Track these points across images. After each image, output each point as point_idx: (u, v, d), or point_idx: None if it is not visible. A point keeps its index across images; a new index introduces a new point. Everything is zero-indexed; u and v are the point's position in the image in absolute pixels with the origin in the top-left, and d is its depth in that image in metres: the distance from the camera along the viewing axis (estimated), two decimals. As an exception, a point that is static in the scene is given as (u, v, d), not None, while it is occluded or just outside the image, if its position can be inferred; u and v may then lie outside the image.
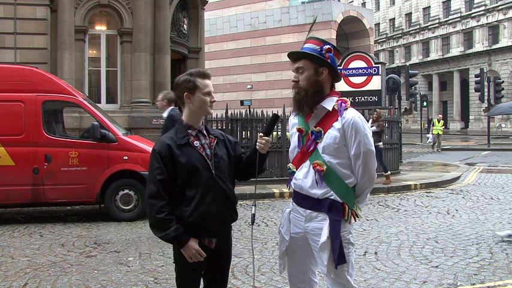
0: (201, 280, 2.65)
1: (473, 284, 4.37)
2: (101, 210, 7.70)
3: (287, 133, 10.41)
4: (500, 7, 41.78)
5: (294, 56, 2.60)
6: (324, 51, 2.53)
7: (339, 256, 2.42)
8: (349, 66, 13.42)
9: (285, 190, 9.52)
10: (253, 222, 2.64)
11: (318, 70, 2.53)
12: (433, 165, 15.35)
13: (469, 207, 8.30)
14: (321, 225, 2.50)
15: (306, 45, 2.58)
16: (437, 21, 48.60)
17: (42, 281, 4.58)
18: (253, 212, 2.63)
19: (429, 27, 49.72)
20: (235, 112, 11.22)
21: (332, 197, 2.49)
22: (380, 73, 13.17)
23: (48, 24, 11.80)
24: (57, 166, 7.30)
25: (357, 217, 2.59)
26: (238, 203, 2.70)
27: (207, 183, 2.46)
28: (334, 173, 2.50)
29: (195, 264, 2.48)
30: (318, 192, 2.51)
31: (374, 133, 11.65)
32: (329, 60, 2.53)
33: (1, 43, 11.51)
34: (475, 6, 44.19)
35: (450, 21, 46.89)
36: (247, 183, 9.58)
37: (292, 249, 2.66)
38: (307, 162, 2.56)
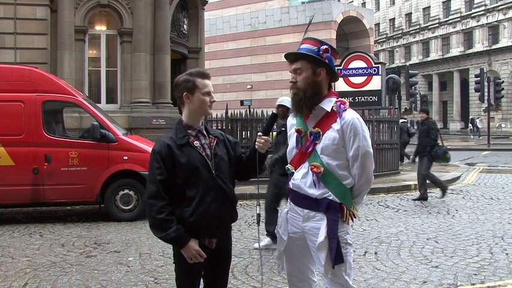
0: (201, 280, 2.65)
1: (473, 284, 4.37)
2: (100, 210, 7.71)
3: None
4: (500, 7, 41.80)
5: (292, 57, 2.59)
6: (321, 52, 2.52)
7: (336, 256, 2.42)
8: (349, 66, 13.44)
9: (285, 190, 9.50)
10: (258, 222, 2.64)
11: (315, 71, 2.53)
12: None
13: (469, 207, 8.30)
14: (319, 225, 2.50)
15: (303, 46, 2.57)
16: (437, 21, 48.61)
17: (42, 281, 4.58)
18: (258, 212, 2.63)
19: (429, 27, 49.74)
20: (235, 112, 11.22)
21: (330, 198, 2.49)
22: (380, 73, 13.19)
23: (48, 24, 11.79)
24: (57, 166, 7.30)
25: (355, 217, 2.59)
26: (238, 203, 2.70)
27: (207, 183, 2.46)
28: (332, 175, 2.50)
29: (195, 265, 2.48)
30: (316, 192, 2.51)
31: None
32: (326, 61, 2.52)
33: (1, 43, 11.51)
34: (475, 6, 44.20)
35: (450, 21, 46.91)
36: (248, 183, 9.61)
37: (291, 249, 2.66)
38: (306, 163, 2.55)
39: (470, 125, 40.97)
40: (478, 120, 38.62)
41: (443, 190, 9.37)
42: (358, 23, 39.41)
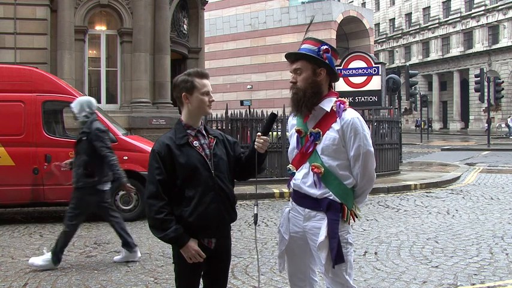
0: (201, 280, 2.65)
1: (473, 284, 4.37)
2: (100, 210, 7.70)
3: (287, 133, 10.42)
4: (500, 7, 41.80)
5: (292, 57, 2.60)
6: (321, 52, 2.52)
7: (336, 255, 2.42)
8: (349, 66, 13.43)
9: (285, 190, 9.52)
10: (256, 222, 2.64)
11: (316, 71, 2.53)
12: (433, 165, 15.36)
13: (469, 207, 8.30)
14: (319, 224, 2.50)
15: (304, 46, 2.58)
16: (437, 21, 48.61)
17: (42, 281, 4.58)
18: (255, 212, 2.62)
19: (429, 27, 49.74)
20: (235, 112, 11.23)
21: (331, 197, 2.50)
22: (380, 73, 13.18)
23: (48, 24, 11.80)
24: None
25: (356, 217, 2.59)
26: (238, 203, 2.70)
27: (206, 183, 2.46)
28: (332, 175, 2.50)
29: (194, 265, 2.48)
30: (316, 192, 2.52)
31: None
32: (327, 61, 2.53)
33: (1, 43, 11.51)
34: (475, 6, 44.19)
35: (450, 21, 46.91)
36: (247, 183, 9.58)
37: (292, 248, 2.66)
38: (307, 164, 2.56)
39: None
40: (510, 119, 37.01)
41: None
42: (358, 23, 39.41)
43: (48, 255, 4.97)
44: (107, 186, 5.29)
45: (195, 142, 2.52)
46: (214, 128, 10.10)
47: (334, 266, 2.44)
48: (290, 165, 2.67)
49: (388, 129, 12.79)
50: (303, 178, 2.57)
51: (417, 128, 46.72)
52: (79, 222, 5.18)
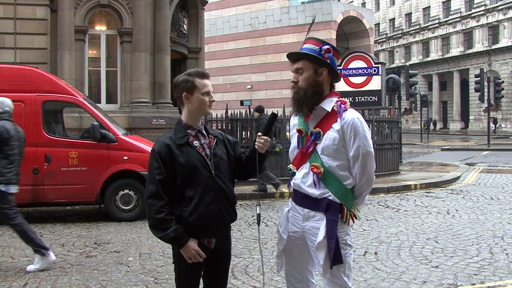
0: (201, 280, 2.65)
1: (473, 284, 4.37)
2: (100, 210, 7.71)
3: (287, 133, 10.45)
4: (500, 7, 41.82)
5: (294, 57, 2.60)
6: (323, 52, 2.52)
7: (334, 256, 2.42)
8: (349, 66, 13.44)
9: (285, 190, 9.52)
10: (259, 222, 2.64)
11: (317, 70, 2.53)
12: (433, 165, 15.36)
13: (469, 207, 8.30)
14: (318, 224, 2.50)
15: (305, 46, 2.58)
16: (437, 21, 48.63)
17: (42, 281, 4.58)
18: (258, 212, 2.62)
19: (429, 27, 49.76)
20: (235, 112, 11.22)
21: (330, 198, 2.49)
22: (380, 73, 13.19)
23: (48, 24, 11.79)
24: (57, 166, 7.30)
25: (356, 218, 2.59)
26: (238, 203, 2.71)
27: (206, 183, 2.46)
28: (332, 175, 2.50)
29: (194, 265, 2.48)
30: (316, 192, 2.51)
31: None
32: (328, 61, 2.53)
33: (1, 43, 11.51)
34: (475, 6, 44.21)
35: (450, 21, 46.93)
36: (247, 183, 9.59)
37: (290, 248, 2.66)
38: (307, 164, 2.55)
39: None
40: None
41: (270, 186, 9.64)
42: (358, 23, 39.39)
43: (37, 257, 4.96)
44: (13, 189, 4.98)
45: (195, 142, 2.52)
46: (214, 128, 10.10)
47: (331, 267, 2.44)
48: (291, 165, 2.67)
49: (388, 129, 12.80)
50: (302, 178, 2.57)
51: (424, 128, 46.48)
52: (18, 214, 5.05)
